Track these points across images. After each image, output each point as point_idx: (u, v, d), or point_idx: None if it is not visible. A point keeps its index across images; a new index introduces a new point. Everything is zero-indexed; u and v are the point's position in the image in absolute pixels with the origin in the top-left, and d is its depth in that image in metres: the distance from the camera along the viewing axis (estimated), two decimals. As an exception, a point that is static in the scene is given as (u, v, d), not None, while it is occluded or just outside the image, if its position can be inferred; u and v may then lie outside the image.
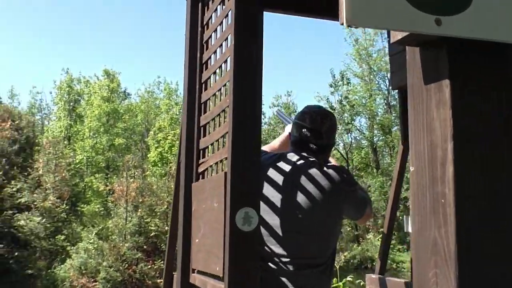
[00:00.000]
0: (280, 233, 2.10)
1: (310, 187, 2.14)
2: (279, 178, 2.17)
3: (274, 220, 2.12)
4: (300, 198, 2.12)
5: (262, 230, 2.07)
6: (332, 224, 2.22)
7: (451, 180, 0.83)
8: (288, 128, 2.61)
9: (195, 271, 2.06)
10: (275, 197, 2.14)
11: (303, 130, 2.25)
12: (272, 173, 2.18)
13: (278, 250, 2.10)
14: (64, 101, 33.71)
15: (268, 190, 2.16)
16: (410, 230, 2.67)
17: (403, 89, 2.66)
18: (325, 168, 2.20)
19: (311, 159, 2.20)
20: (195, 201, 2.08)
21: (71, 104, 33.85)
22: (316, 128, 2.24)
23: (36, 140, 25.53)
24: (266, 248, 2.10)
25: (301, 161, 2.20)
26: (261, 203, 2.07)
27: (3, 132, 21.93)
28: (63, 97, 33.81)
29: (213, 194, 1.81)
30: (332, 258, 2.24)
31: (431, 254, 0.86)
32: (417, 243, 0.88)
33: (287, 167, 2.19)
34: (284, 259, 2.09)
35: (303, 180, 2.15)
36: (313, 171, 2.17)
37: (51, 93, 41.08)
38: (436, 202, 0.86)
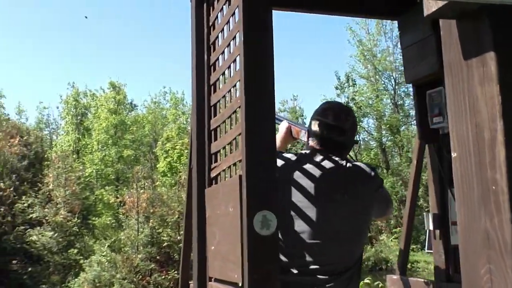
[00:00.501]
0: (309, 241, 1.99)
1: (340, 189, 2.03)
2: (304, 182, 2.05)
3: (301, 227, 2.00)
4: (330, 202, 2.01)
5: (287, 237, 1.98)
6: (363, 226, 2.12)
7: (503, 163, 0.72)
8: (283, 124, 2.51)
9: (212, 279, 1.99)
10: (302, 202, 2.03)
11: (325, 127, 2.13)
12: (296, 175, 2.06)
13: (305, 258, 1.98)
14: (71, 115, 33.87)
15: (294, 195, 2.04)
16: (431, 227, 2.61)
17: (417, 82, 2.58)
18: (353, 167, 2.10)
19: (336, 158, 2.09)
20: (209, 207, 2.01)
21: (78, 117, 33.99)
22: (339, 125, 2.13)
23: (45, 155, 25.62)
24: (291, 256, 1.99)
25: (327, 162, 2.08)
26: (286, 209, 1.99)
27: (12, 148, 22.03)
28: (70, 111, 33.97)
29: (228, 198, 1.74)
30: (360, 262, 2.13)
31: (482, 248, 0.76)
32: (465, 237, 0.78)
33: (312, 169, 2.07)
34: (312, 267, 1.98)
35: (332, 182, 2.04)
36: (342, 172, 2.06)
37: (58, 107, 41.27)
38: (485, 190, 0.76)
